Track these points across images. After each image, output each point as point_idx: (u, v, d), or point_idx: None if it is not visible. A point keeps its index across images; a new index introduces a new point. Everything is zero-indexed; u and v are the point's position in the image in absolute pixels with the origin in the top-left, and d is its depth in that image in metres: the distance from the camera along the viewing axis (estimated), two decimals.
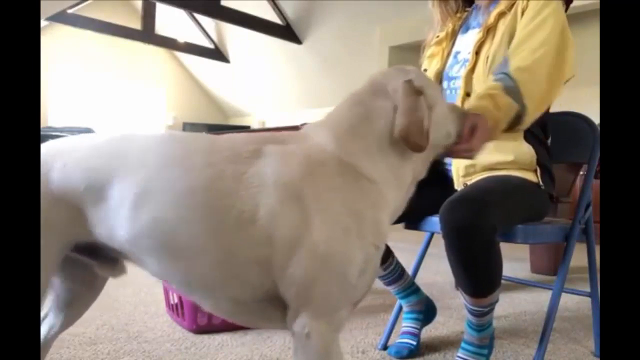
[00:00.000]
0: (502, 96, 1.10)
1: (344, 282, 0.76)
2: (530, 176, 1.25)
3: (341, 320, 0.80)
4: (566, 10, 1.28)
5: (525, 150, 1.25)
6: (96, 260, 0.89)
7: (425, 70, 1.43)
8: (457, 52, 1.36)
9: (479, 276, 1.15)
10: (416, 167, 0.87)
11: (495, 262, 1.14)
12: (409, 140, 0.80)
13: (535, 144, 1.27)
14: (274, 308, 0.78)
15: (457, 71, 1.33)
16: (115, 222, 0.77)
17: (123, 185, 0.76)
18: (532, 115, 1.16)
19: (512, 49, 1.20)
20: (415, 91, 0.82)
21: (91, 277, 0.96)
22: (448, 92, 1.36)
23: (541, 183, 1.25)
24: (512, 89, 1.11)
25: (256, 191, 0.73)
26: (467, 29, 1.39)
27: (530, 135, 1.26)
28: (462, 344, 1.27)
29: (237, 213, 0.73)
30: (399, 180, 0.84)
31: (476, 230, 1.06)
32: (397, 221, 1.43)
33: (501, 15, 1.26)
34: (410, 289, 1.47)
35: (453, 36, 1.41)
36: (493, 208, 1.09)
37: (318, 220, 0.73)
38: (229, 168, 0.75)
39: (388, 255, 1.41)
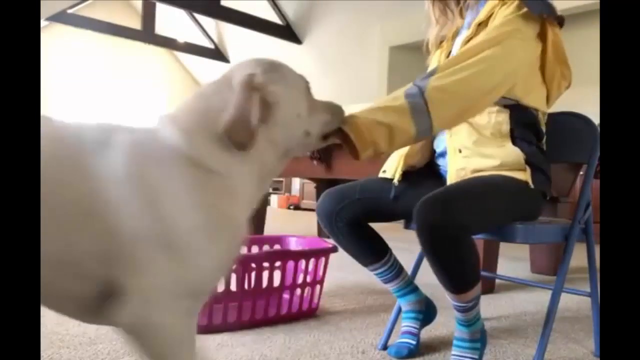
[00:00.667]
0: (403, 120, 1.03)
1: (194, 274, 0.75)
2: (519, 175, 1.24)
3: (191, 308, 0.78)
4: (561, 27, 1.25)
5: (510, 152, 1.24)
6: None
7: None
8: (449, 53, 1.40)
9: (452, 274, 1.16)
10: (265, 163, 0.85)
11: (468, 259, 1.15)
12: (231, 138, 0.77)
13: (524, 146, 1.26)
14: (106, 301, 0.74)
15: None
16: None
17: None
18: (438, 130, 1.12)
19: (446, 61, 1.14)
20: (251, 87, 0.80)
21: None
22: None
23: (530, 182, 1.23)
24: (420, 109, 1.04)
25: (101, 182, 0.71)
26: (459, 32, 1.41)
27: (519, 139, 1.26)
28: (455, 342, 1.28)
29: (78, 205, 0.70)
30: (249, 175, 0.82)
31: (443, 229, 1.08)
32: (398, 218, 1.45)
33: (481, 25, 1.25)
34: (409, 288, 1.48)
35: (454, 38, 1.42)
36: (463, 206, 1.11)
37: (167, 213, 0.72)
38: (72, 158, 0.72)
39: (386, 251, 1.42)
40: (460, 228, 1.10)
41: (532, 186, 1.23)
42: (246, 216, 0.84)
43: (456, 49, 1.37)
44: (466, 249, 1.14)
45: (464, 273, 1.17)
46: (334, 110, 0.97)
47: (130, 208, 0.71)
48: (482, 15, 1.26)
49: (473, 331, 1.26)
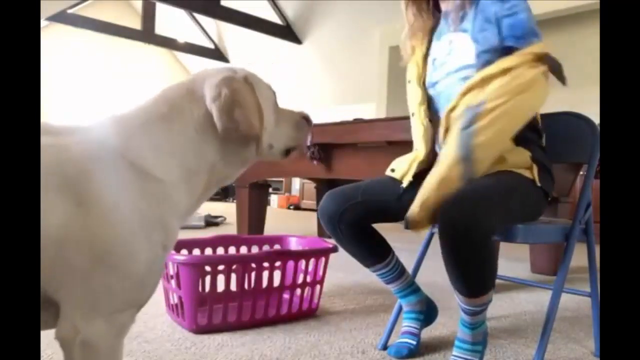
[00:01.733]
0: (456, 184, 1.14)
1: (126, 282, 0.72)
2: (527, 173, 1.25)
3: (124, 324, 0.75)
4: (553, 70, 1.24)
5: (517, 150, 1.27)
6: None
7: (409, 81, 1.50)
8: (434, 59, 1.42)
9: (472, 277, 1.15)
10: (217, 171, 0.84)
11: (489, 263, 1.14)
12: (244, 132, 0.80)
13: (528, 145, 1.29)
14: (45, 311, 0.72)
15: (438, 76, 1.39)
16: None
17: None
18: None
19: (484, 104, 1.17)
20: (222, 97, 0.80)
21: None
22: (435, 97, 1.42)
23: (537, 180, 1.25)
24: (468, 170, 1.15)
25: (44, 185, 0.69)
26: (440, 36, 1.43)
27: (522, 139, 1.27)
28: (456, 342, 1.28)
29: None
30: (190, 182, 0.80)
31: (471, 231, 1.06)
32: (401, 219, 1.44)
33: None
34: (410, 288, 1.48)
35: (427, 42, 1.46)
36: (489, 208, 1.10)
37: (95, 218, 0.69)
38: None
39: (388, 252, 1.42)
40: (486, 230, 1.09)
41: (538, 184, 1.24)
42: (180, 220, 0.82)
43: (440, 51, 1.39)
44: (491, 251, 1.13)
45: (484, 277, 1.16)
46: (300, 126, 0.96)
47: (60, 213, 0.68)
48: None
49: (476, 334, 1.26)
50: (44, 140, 0.72)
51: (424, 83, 1.45)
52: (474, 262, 1.11)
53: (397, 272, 1.43)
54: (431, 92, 1.43)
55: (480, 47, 1.29)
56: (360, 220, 1.37)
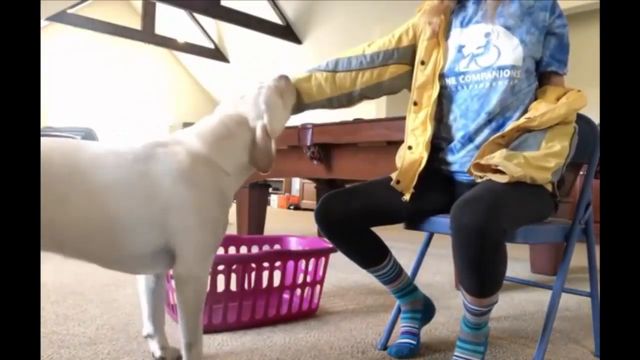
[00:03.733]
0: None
1: (215, 238, 1.13)
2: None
3: (211, 264, 1.18)
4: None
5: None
6: None
7: (423, 62, 1.38)
8: (462, 46, 1.35)
9: (485, 277, 1.14)
10: (249, 168, 1.24)
11: (501, 264, 1.14)
12: (259, 167, 1.21)
13: None
14: (164, 258, 1.10)
15: (466, 66, 1.33)
16: None
17: None
18: None
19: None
20: (267, 136, 1.20)
21: None
22: (455, 88, 1.35)
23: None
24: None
25: (156, 179, 1.05)
26: (468, 23, 1.37)
27: None
28: (458, 343, 1.27)
29: (144, 194, 1.04)
30: (241, 175, 1.22)
31: (486, 232, 1.06)
32: (400, 222, 1.44)
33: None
34: (408, 289, 1.47)
35: (446, 30, 1.39)
36: (503, 210, 1.10)
37: (200, 196, 1.09)
38: (135, 166, 1.06)
39: (386, 254, 1.41)
40: (503, 233, 1.09)
41: (549, 189, 1.26)
42: (232, 198, 1.23)
43: (472, 41, 1.33)
44: (504, 253, 1.13)
45: (495, 278, 1.15)
46: (292, 92, 1.42)
47: (179, 196, 1.06)
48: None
49: (479, 334, 1.25)
50: (160, 150, 1.10)
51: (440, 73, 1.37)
52: (487, 262, 1.11)
53: (394, 274, 1.43)
54: (450, 81, 1.35)
55: (527, 52, 1.29)
56: (358, 225, 1.34)
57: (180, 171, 1.07)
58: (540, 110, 1.24)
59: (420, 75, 1.39)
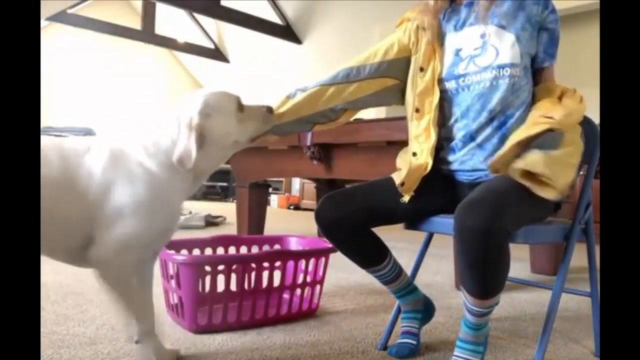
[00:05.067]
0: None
1: (138, 233, 1.13)
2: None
3: (136, 259, 1.18)
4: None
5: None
6: None
7: (422, 69, 1.38)
8: (459, 50, 1.35)
9: (487, 279, 1.14)
10: (200, 169, 1.23)
11: (505, 266, 1.14)
12: (179, 165, 1.16)
13: None
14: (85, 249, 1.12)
15: (465, 68, 1.33)
16: None
17: None
18: None
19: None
20: (190, 128, 1.16)
21: None
22: (456, 91, 1.34)
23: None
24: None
25: (90, 172, 1.11)
26: (462, 25, 1.37)
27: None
28: (458, 343, 1.27)
29: (79, 187, 1.09)
30: (182, 176, 1.20)
31: (490, 234, 1.06)
32: (400, 222, 1.44)
33: None
34: (408, 289, 1.47)
35: (439, 36, 1.39)
36: (507, 212, 1.10)
37: (126, 194, 1.11)
38: (73, 160, 1.11)
39: (386, 254, 1.41)
40: (508, 234, 1.10)
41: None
42: (181, 201, 1.23)
43: (468, 43, 1.33)
44: (507, 255, 1.12)
45: (498, 280, 1.15)
46: (264, 118, 1.31)
47: (105, 189, 1.11)
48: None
49: (479, 335, 1.25)
50: (94, 146, 1.16)
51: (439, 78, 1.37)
52: (490, 264, 1.10)
53: (394, 274, 1.42)
54: (450, 85, 1.35)
55: (523, 48, 1.30)
56: (358, 226, 1.34)
57: (108, 167, 1.12)
58: (561, 111, 1.24)
59: (420, 82, 1.38)
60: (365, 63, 1.43)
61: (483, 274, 1.12)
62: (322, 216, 1.33)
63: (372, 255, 1.40)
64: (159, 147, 1.18)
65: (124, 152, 1.16)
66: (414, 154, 1.37)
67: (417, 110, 1.39)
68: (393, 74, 1.43)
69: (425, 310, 1.51)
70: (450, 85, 1.35)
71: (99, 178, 1.11)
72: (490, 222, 1.06)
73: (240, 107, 1.26)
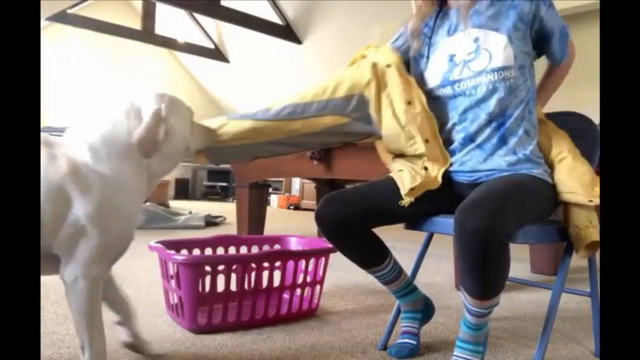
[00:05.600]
0: None
1: (102, 244, 1.08)
2: (545, 176, 1.30)
3: (104, 270, 1.13)
4: None
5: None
6: None
7: (410, 102, 1.35)
8: (452, 55, 1.35)
9: (488, 280, 1.14)
10: (154, 169, 1.20)
11: (503, 267, 1.13)
12: (142, 148, 1.13)
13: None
14: (46, 262, 1.07)
15: (460, 73, 1.33)
16: None
17: None
18: None
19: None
20: (159, 117, 1.15)
21: None
22: (452, 96, 1.35)
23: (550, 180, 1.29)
24: None
25: (50, 182, 1.03)
26: (455, 30, 1.36)
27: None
28: (458, 343, 1.27)
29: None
30: (137, 176, 1.16)
31: (491, 235, 1.06)
32: (400, 222, 1.44)
33: None
34: (408, 289, 1.47)
35: (429, 44, 1.41)
36: (508, 213, 1.10)
37: (80, 203, 1.05)
38: None
39: (386, 255, 1.41)
40: (504, 235, 1.09)
41: (552, 182, 1.29)
42: (138, 204, 1.18)
43: (461, 48, 1.33)
44: (507, 256, 1.12)
45: (498, 281, 1.15)
46: (207, 134, 1.32)
47: (58, 204, 1.04)
48: None
49: (479, 335, 1.25)
50: (55, 152, 1.08)
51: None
52: (490, 265, 1.10)
53: (395, 274, 1.42)
54: (446, 90, 1.35)
55: (516, 48, 1.29)
56: (359, 227, 1.34)
57: (54, 178, 1.04)
58: (592, 189, 1.27)
59: (413, 115, 1.34)
60: (313, 100, 1.37)
61: (483, 275, 1.12)
62: (322, 217, 1.33)
63: (372, 255, 1.40)
64: (112, 144, 1.12)
65: (73, 158, 1.09)
66: (426, 169, 1.34)
67: (427, 141, 1.35)
68: (342, 112, 1.38)
69: (425, 310, 1.51)
70: (446, 91, 1.36)
71: (52, 190, 1.04)
72: (491, 223, 1.05)
73: (192, 117, 1.29)
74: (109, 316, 1.44)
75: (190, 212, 4.92)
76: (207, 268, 1.60)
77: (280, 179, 9.03)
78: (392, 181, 1.36)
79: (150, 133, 1.12)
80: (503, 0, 1.32)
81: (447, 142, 1.37)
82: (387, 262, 1.40)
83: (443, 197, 1.37)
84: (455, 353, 1.26)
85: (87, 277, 1.07)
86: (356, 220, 1.32)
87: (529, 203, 1.20)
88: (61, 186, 1.04)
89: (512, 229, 1.12)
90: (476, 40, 1.32)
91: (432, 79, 1.38)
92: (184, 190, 10.30)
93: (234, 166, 3.97)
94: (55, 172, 1.05)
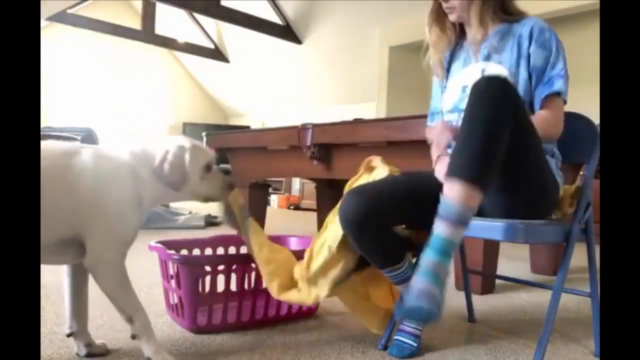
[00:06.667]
0: None
1: (124, 231, 1.22)
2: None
3: (125, 253, 1.24)
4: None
5: None
6: None
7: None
8: (465, 86, 1.44)
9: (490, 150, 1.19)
10: (156, 193, 1.31)
11: (501, 146, 1.17)
12: (169, 180, 1.27)
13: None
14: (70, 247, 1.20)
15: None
16: None
17: None
18: None
19: None
20: (180, 155, 1.28)
21: None
22: (457, 122, 1.45)
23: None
24: None
25: (77, 174, 1.17)
26: (469, 62, 1.47)
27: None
28: (418, 272, 1.13)
29: (63, 187, 1.15)
30: (154, 184, 1.28)
31: (509, 87, 1.20)
32: (400, 223, 1.44)
33: None
34: None
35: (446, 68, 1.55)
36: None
37: (113, 194, 1.19)
38: (60, 159, 1.17)
39: (404, 253, 1.42)
40: (520, 103, 1.22)
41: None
42: (148, 206, 1.31)
43: (467, 83, 1.41)
44: (507, 134, 1.17)
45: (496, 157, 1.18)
46: (221, 189, 1.39)
47: (90, 194, 1.17)
48: None
49: (445, 264, 1.13)
50: (84, 149, 1.23)
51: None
52: (500, 124, 1.17)
53: (410, 272, 1.42)
54: (452, 116, 1.50)
55: (517, 83, 1.40)
56: (385, 222, 1.35)
57: (97, 169, 1.19)
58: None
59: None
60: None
61: (491, 134, 1.13)
62: (347, 210, 1.31)
63: (393, 252, 1.40)
64: (146, 155, 1.28)
65: (112, 154, 1.24)
66: None
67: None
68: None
69: None
70: (453, 116, 1.49)
71: (89, 176, 1.17)
72: (506, 85, 1.16)
73: (208, 167, 1.35)
74: (64, 329, 1.45)
75: (190, 212, 4.92)
76: (207, 268, 1.60)
77: (280, 179, 9.03)
78: (417, 178, 1.41)
79: (174, 163, 1.27)
80: (511, 37, 1.43)
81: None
82: (405, 261, 1.40)
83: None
84: (415, 282, 1.12)
85: (112, 258, 1.21)
86: (382, 214, 1.32)
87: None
88: (94, 171, 1.18)
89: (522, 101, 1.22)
90: (483, 72, 1.41)
91: (446, 104, 1.53)
92: None
93: (233, 166, 3.97)
94: (86, 159, 1.19)
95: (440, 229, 1.12)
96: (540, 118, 1.35)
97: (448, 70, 1.58)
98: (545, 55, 1.39)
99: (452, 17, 1.51)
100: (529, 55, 1.41)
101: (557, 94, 1.38)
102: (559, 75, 1.38)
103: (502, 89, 1.16)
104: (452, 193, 1.12)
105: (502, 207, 1.29)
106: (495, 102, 1.14)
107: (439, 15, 1.55)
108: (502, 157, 1.14)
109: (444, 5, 1.50)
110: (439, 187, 1.32)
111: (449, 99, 1.52)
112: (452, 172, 1.15)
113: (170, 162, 1.26)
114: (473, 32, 1.47)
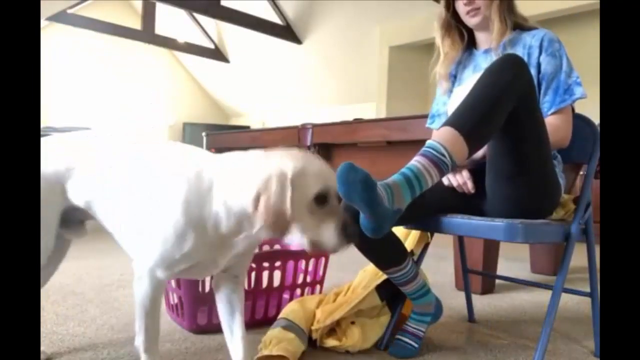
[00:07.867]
0: None
1: (174, 253, 1.05)
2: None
3: (164, 275, 1.10)
4: None
5: None
6: (65, 227, 1.26)
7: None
8: None
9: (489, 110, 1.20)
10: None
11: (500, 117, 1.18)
12: (272, 228, 0.95)
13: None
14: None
15: None
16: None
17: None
18: None
19: None
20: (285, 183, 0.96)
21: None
22: None
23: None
24: None
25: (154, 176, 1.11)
26: (479, 69, 1.47)
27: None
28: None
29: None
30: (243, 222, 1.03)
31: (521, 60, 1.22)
32: (400, 223, 1.43)
33: None
34: (423, 290, 1.47)
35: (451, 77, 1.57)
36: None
37: (175, 214, 1.04)
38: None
39: (407, 254, 1.42)
40: (530, 80, 1.24)
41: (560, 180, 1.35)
42: (208, 250, 1.08)
43: (468, 81, 1.44)
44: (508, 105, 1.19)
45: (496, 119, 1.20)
46: (334, 233, 0.99)
47: (144, 213, 1.09)
48: None
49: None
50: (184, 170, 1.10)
51: None
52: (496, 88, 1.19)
53: (413, 273, 1.42)
54: None
55: None
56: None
57: (174, 187, 1.05)
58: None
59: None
60: None
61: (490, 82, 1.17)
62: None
63: (396, 253, 1.40)
64: (232, 208, 1.01)
65: (198, 184, 1.05)
66: None
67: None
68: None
69: (435, 313, 1.51)
70: None
71: (156, 198, 1.07)
72: (518, 63, 1.18)
73: (322, 199, 0.99)
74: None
75: None
76: None
77: None
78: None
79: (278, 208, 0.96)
80: (521, 47, 1.44)
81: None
82: (404, 265, 1.40)
83: (441, 197, 1.37)
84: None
85: (144, 276, 1.10)
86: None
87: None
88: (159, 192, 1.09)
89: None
90: None
91: (453, 109, 1.47)
92: None
93: None
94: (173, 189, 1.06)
95: (414, 161, 1.13)
96: (550, 126, 1.33)
97: (455, 76, 1.59)
98: (556, 63, 1.40)
99: (475, 20, 1.48)
100: (539, 65, 1.41)
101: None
102: (576, 83, 1.40)
103: (518, 61, 1.19)
104: (439, 135, 1.14)
105: (508, 196, 1.28)
106: (508, 69, 1.17)
107: (450, 25, 1.56)
108: (499, 125, 1.16)
109: (468, 8, 1.47)
110: (440, 188, 1.32)
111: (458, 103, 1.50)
112: (446, 122, 1.18)
113: (267, 204, 0.94)
114: (495, 31, 1.46)
